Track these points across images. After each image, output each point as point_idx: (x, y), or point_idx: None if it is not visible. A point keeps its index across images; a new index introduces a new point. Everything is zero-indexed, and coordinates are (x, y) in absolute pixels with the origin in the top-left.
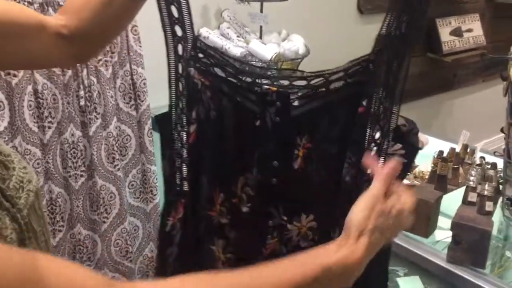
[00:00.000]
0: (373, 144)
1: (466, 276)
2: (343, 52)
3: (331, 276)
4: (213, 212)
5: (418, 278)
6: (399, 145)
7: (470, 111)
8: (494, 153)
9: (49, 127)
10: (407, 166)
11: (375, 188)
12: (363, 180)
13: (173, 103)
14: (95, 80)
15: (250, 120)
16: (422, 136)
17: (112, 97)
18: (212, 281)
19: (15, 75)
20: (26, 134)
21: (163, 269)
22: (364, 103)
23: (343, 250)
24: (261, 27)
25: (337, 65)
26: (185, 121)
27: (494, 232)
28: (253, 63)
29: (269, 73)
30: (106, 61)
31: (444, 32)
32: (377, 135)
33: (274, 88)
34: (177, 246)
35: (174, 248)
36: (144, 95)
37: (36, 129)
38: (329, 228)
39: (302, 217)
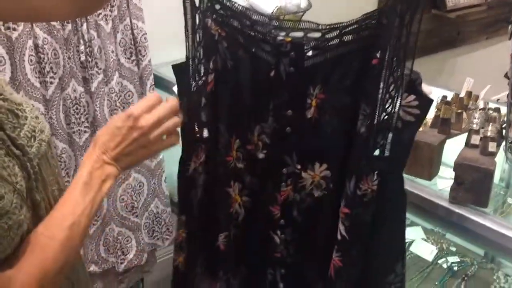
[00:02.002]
0: (387, 96)
1: (468, 215)
2: (345, 6)
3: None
4: (229, 157)
5: (420, 228)
6: (412, 97)
7: (474, 69)
8: (497, 100)
9: (51, 83)
10: (421, 118)
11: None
12: (378, 132)
13: (191, 54)
14: (95, 34)
15: (265, 70)
16: (425, 87)
17: (113, 52)
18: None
19: (14, 29)
20: (29, 89)
21: (188, 210)
22: (377, 54)
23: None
24: None
25: (338, 19)
26: (203, 71)
27: (496, 180)
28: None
29: (284, 24)
30: (105, 15)
31: None
32: (391, 87)
33: (289, 39)
34: (201, 187)
35: (198, 190)
36: (145, 50)
37: (38, 85)
38: (342, 178)
39: (316, 165)
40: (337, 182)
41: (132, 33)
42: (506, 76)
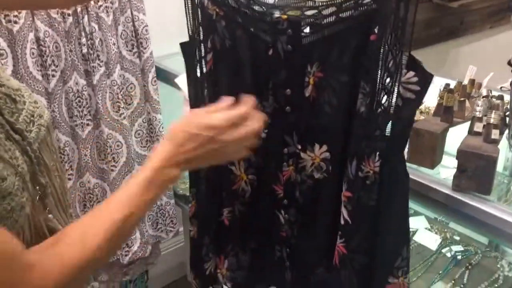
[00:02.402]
0: (386, 73)
1: (471, 203)
2: None
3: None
4: None
5: (424, 218)
6: (412, 73)
7: (477, 59)
8: (500, 88)
9: (53, 75)
10: (421, 94)
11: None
12: (378, 110)
13: (193, 33)
14: (96, 27)
15: (263, 49)
16: None
17: (114, 44)
18: (86, 220)
19: (16, 22)
20: (31, 82)
21: (197, 184)
22: (375, 30)
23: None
24: None
25: None
26: (203, 50)
27: (500, 169)
28: None
29: (280, 2)
30: (106, 7)
31: None
32: (390, 63)
33: (285, 16)
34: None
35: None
36: (146, 42)
37: (40, 78)
38: (343, 161)
39: (316, 146)
40: (337, 165)
41: (134, 25)
42: (509, 63)
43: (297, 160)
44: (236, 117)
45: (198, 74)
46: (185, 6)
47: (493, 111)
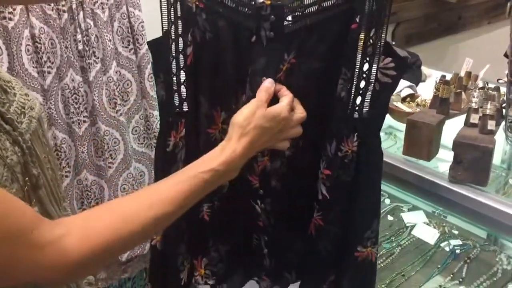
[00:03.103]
0: (365, 60)
1: (467, 194)
2: None
3: (218, 176)
4: (212, 130)
5: (422, 212)
6: (389, 59)
7: (475, 54)
8: (497, 80)
9: (49, 72)
10: (398, 78)
11: (258, 96)
12: (356, 94)
13: (169, 28)
14: (91, 23)
15: (246, 37)
16: (425, 69)
17: (110, 41)
18: (122, 201)
19: (10, 19)
20: (26, 79)
21: None
22: (357, 19)
23: (226, 151)
24: None
25: None
26: (181, 44)
27: (498, 162)
28: None
29: None
30: (102, 3)
31: None
32: (369, 49)
33: (269, 2)
34: (182, 162)
35: (179, 164)
36: (142, 39)
37: (35, 74)
38: (312, 137)
39: None
40: (306, 140)
41: (129, 22)
42: (505, 55)
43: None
44: (291, 103)
45: (174, 70)
46: (160, 2)
47: (489, 101)
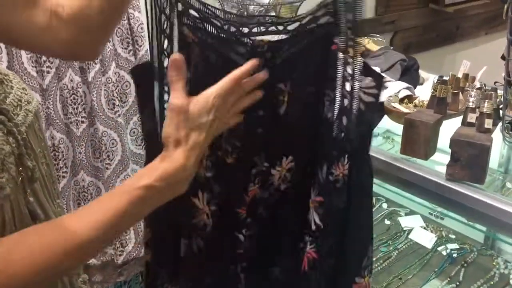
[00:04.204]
0: (346, 79)
1: (465, 192)
2: None
3: (157, 192)
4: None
5: (419, 217)
6: (369, 79)
7: (473, 65)
8: (494, 83)
9: (48, 72)
10: (379, 95)
11: (172, 99)
12: (341, 114)
13: (158, 59)
14: None
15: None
16: (422, 73)
17: (109, 41)
18: (44, 228)
19: None
20: (25, 78)
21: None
22: (336, 40)
23: (163, 164)
24: None
25: None
26: None
27: (495, 166)
28: (251, 7)
29: (246, 20)
30: None
31: None
32: (348, 67)
33: (266, 40)
34: None
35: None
36: (142, 40)
37: (34, 74)
38: (305, 167)
39: (283, 160)
40: (300, 172)
41: (129, 23)
42: (502, 57)
43: (265, 177)
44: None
45: (166, 98)
46: (150, 32)
47: (486, 100)
